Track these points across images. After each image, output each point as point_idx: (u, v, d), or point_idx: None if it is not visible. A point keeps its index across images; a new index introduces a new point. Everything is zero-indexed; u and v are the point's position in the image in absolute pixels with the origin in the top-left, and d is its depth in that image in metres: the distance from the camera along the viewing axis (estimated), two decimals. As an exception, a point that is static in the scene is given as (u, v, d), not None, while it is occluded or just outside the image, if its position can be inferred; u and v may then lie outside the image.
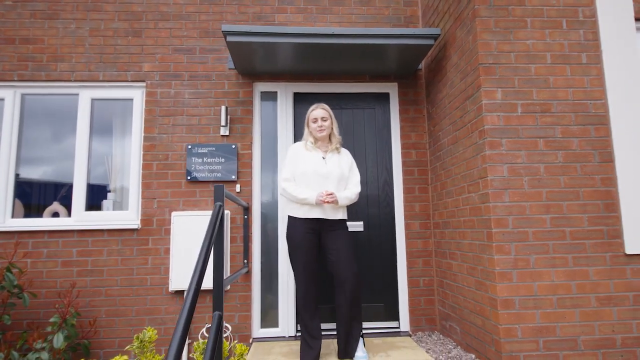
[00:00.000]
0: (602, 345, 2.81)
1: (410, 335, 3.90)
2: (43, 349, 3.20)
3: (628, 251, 2.88)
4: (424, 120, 4.24)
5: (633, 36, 3.08)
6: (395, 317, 4.05)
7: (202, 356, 2.89)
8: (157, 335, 2.91)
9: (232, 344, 3.22)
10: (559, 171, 2.95)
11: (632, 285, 2.87)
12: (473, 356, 3.18)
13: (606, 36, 3.06)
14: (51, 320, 3.32)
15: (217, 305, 2.48)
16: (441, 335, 3.83)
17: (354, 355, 3.12)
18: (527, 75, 3.03)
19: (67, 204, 4.07)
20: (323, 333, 3.39)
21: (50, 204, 4.12)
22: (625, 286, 2.87)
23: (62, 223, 3.96)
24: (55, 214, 4.09)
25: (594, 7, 3.11)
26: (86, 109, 4.12)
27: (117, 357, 2.86)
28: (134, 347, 2.77)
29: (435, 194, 3.97)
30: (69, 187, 4.08)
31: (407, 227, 4.10)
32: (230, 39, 3.49)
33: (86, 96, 4.14)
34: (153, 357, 2.84)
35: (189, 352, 3.79)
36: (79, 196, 4.01)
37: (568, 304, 2.83)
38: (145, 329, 2.87)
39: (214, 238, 2.39)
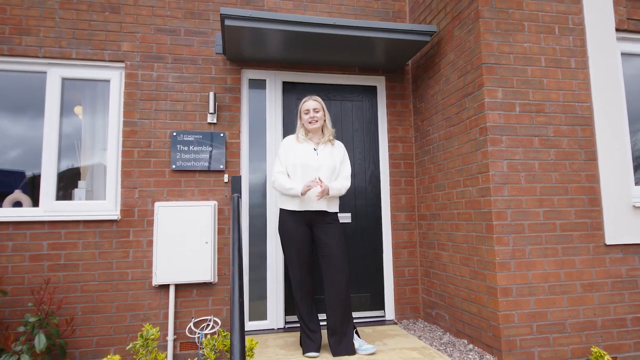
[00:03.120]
0: (586, 328, 3.08)
1: (396, 323, 4.02)
2: (22, 351, 2.92)
3: (608, 242, 3.18)
4: (410, 114, 4.35)
5: (614, 45, 3.36)
6: (381, 306, 4.16)
7: (212, 352, 2.80)
8: (159, 333, 2.76)
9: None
10: (551, 168, 3.17)
11: (610, 272, 3.17)
12: (465, 341, 3.35)
13: (592, 44, 3.31)
14: (31, 319, 3.03)
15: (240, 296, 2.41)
16: (426, 323, 3.99)
17: (352, 352, 3.11)
18: (524, 76, 3.20)
19: (29, 193, 3.72)
20: (321, 324, 3.38)
21: (10, 192, 3.73)
22: (604, 273, 3.16)
23: (29, 213, 3.60)
24: (17, 204, 3.72)
25: (582, 16, 3.35)
26: (56, 88, 3.76)
27: (110, 356, 2.68)
28: (137, 345, 2.61)
29: (422, 187, 4.10)
30: (33, 174, 3.73)
31: (393, 218, 4.20)
32: (228, 22, 3.34)
33: (56, 75, 3.77)
34: (156, 355, 2.70)
35: (174, 348, 3.63)
36: (48, 184, 3.67)
37: (557, 290, 3.07)
38: (145, 326, 2.70)
39: (240, 229, 2.31)
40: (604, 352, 2.84)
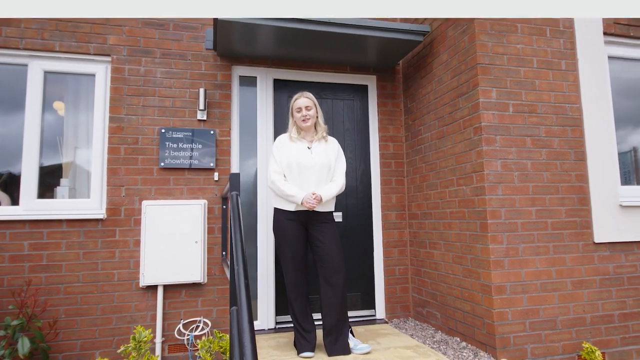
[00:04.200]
0: (575, 324, 3.15)
1: (386, 322, 4.02)
2: (3, 356, 2.78)
3: (596, 240, 3.25)
4: (401, 114, 4.36)
5: (602, 48, 3.45)
6: (372, 305, 4.15)
7: (208, 353, 2.73)
8: (152, 335, 2.67)
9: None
10: (542, 167, 3.22)
11: (599, 270, 3.25)
12: (458, 339, 3.38)
13: (581, 46, 3.39)
14: (12, 323, 2.88)
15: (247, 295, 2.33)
16: (417, 321, 4.01)
17: (347, 351, 3.09)
18: (517, 77, 3.25)
19: (6, 191, 3.55)
20: (315, 323, 3.34)
21: (-13, 190, 3.57)
22: (593, 271, 3.24)
23: (9, 212, 3.44)
24: (-5, 202, 3.55)
25: (572, 19, 3.42)
26: (38, 82, 3.60)
27: (99, 359, 2.58)
28: (129, 348, 2.52)
29: (413, 186, 4.11)
30: (11, 172, 3.57)
31: (384, 217, 4.20)
32: (222, 17, 3.27)
33: (37, 68, 3.62)
34: (149, 358, 2.61)
35: (162, 350, 3.53)
36: (29, 182, 3.52)
37: (549, 288, 3.12)
38: (137, 328, 2.61)
39: (241, 227, 2.25)
40: (595, 348, 2.90)
